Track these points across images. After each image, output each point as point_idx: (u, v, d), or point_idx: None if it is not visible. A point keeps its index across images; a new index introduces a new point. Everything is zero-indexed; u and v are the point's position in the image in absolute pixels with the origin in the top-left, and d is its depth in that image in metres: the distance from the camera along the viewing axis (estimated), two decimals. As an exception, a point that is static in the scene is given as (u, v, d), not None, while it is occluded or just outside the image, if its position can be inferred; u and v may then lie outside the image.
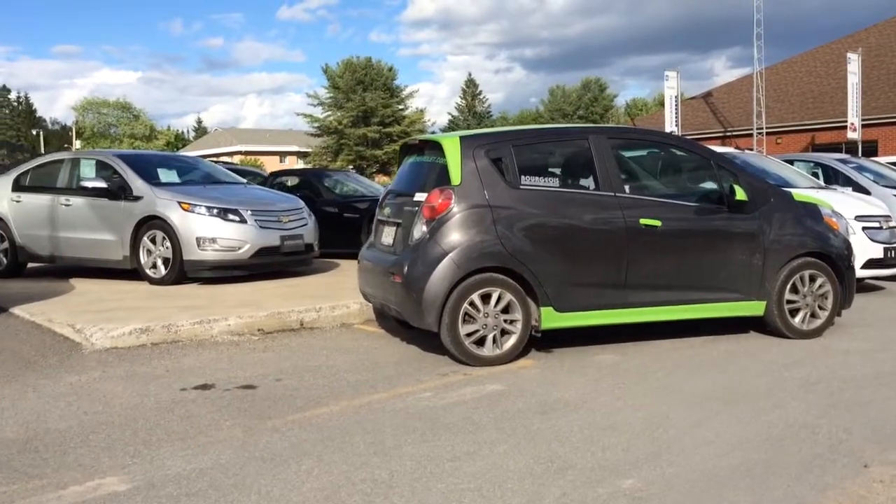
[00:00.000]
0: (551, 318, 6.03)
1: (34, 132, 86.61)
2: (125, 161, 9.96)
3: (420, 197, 6.10)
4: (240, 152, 76.38)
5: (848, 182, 11.40)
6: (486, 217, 5.86)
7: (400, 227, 6.30)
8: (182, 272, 9.18)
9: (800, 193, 7.14)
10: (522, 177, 6.04)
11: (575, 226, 6.06)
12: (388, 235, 6.54)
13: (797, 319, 6.74)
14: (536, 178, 6.08)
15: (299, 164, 69.76)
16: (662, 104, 40.08)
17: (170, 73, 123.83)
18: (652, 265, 6.25)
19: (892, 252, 9.17)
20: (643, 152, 7.13)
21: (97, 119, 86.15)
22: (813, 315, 6.81)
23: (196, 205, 9.23)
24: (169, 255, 9.22)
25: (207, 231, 9.12)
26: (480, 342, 5.88)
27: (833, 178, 11.73)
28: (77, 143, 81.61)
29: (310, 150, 70.23)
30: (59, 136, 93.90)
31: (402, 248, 6.15)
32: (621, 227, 6.14)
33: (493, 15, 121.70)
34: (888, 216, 9.51)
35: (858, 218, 9.10)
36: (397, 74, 73.20)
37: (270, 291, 8.58)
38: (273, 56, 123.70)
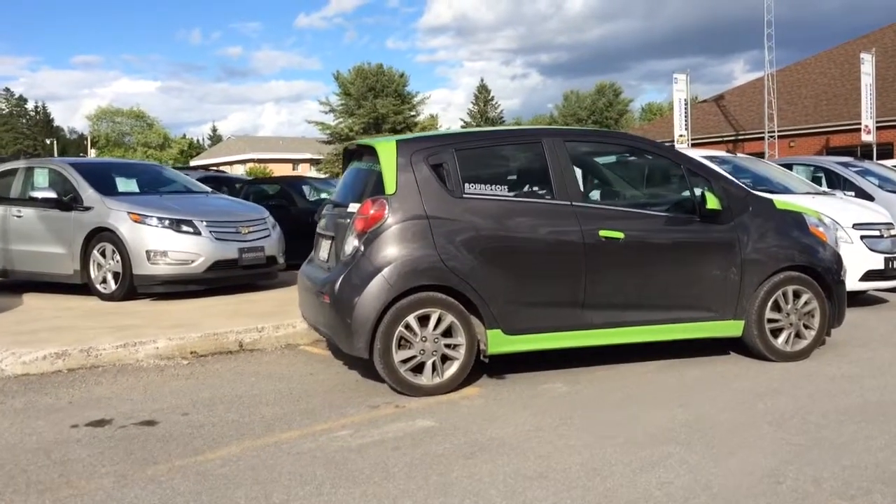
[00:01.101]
0: (499, 342, 5.41)
1: (48, 141, 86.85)
2: (78, 170, 9.45)
3: (353, 208, 5.51)
4: (253, 160, 76.26)
5: (851, 187, 10.69)
6: (424, 230, 5.26)
7: (334, 241, 5.71)
8: (132, 287, 8.63)
9: (782, 201, 6.48)
10: (467, 185, 5.43)
11: (525, 238, 5.45)
12: (324, 250, 5.96)
13: (780, 340, 6.08)
14: (483, 186, 5.47)
15: (311, 172, 69.44)
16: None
17: (189, 82, 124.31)
18: (613, 282, 5.63)
19: (894, 262, 8.46)
20: (605, 157, 6.50)
21: (111, 128, 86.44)
22: (798, 335, 6.15)
23: (147, 216, 8.68)
24: (119, 269, 8.67)
25: (158, 243, 8.58)
26: (419, 369, 5.27)
27: (836, 182, 11.02)
28: (92, 152, 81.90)
29: (322, 157, 70.02)
30: (76, 146, 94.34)
31: (335, 265, 5.56)
32: (578, 240, 5.51)
33: (509, 21, 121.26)
34: (890, 223, 8.81)
35: (857, 226, 8.41)
36: (409, 81, 72.76)
37: (219, 309, 8.01)
38: (290, 64, 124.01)
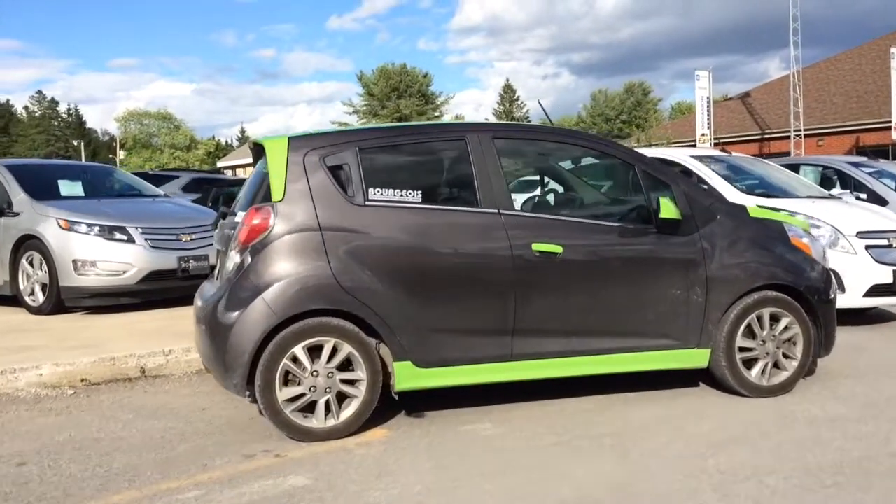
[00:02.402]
0: (410, 376, 4.57)
1: (75, 143, 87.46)
2: (12, 171, 8.75)
3: (241, 217, 4.69)
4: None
5: (864, 189, 9.67)
6: (316, 243, 4.43)
7: (222, 257, 4.91)
8: (60, 300, 7.89)
9: (759, 208, 5.56)
10: (371, 190, 4.59)
11: (442, 253, 4.61)
12: (219, 266, 5.15)
13: (754, 372, 5.16)
14: (391, 191, 4.62)
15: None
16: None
17: (222, 84, 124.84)
18: (550, 304, 4.76)
19: (905, 276, 7.45)
20: (544, 156, 5.61)
21: (139, 129, 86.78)
22: (777, 366, 5.24)
23: (76, 222, 7.95)
24: (46, 280, 7.94)
25: (86, 252, 7.84)
26: (310, 409, 4.44)
27: (847, 184, 10.01)
28: (121, 154, 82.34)
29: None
30: (106, 147, 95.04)
31: (221, 284, 4.75)
32: (506, 255, 4.65)
33: (541, 20, 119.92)
34: (901, 231, 7.80)
35: (861, 234, 7.42)
36: (433, 81, 71.97)
37: (148, 326, 7.25)
38: (323, 65, 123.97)
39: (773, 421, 4.69)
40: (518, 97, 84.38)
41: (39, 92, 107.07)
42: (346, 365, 4.48)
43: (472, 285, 4.65)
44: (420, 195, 4.68)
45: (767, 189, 8.41)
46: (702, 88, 31.55)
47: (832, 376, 5.70)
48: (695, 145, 31.92)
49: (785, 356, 5.24)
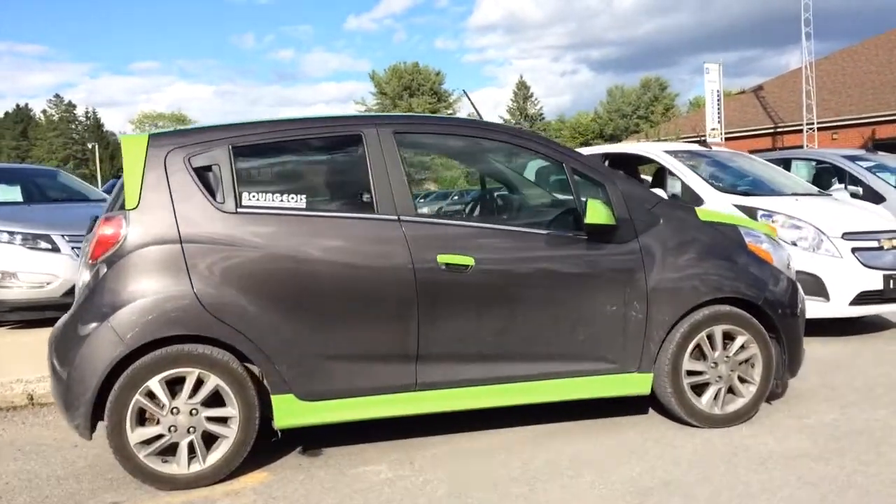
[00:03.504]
0: (292, 412, 3.94)
1: (90, 146, 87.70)
2: (-61, 177, 8.19)
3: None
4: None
5: (861, 185, 8.92)
6: (175, 258, 3.80)
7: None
8: (-21, 315, 7.34)
9: (711, 211, 4.87)
10: (246, 194, 3.96)
11: (330, 267, 3.97)
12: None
13: (705, 400, 4.49)
14: (271, 195, 3.99)
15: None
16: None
17: (242, 86, 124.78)
18: (461, 325, 4.11)
19: (897, 281, 6.72)
20: (457, 153, 4.94)
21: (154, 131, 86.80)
22: (732, 391, 4.55)
23: (-4, 230, 7.38)
24: (-33, 293, 7.38)
25: (6, 263, 7.27)
26: (171, 452, 3.81)
27: (843, 179, 9.25)
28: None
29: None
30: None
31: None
32: (407, 268, 4.01)
33: (559, 17, 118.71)
34: (894, 231, 7.06)
35: (848, 236, 6.69)
36: (445, 79, 71.44)
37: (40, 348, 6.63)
38: (341, 66, 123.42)
39: (719, 459, 4.01)
40: (532, 94, 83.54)
41: (57, 95, 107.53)
42: (216, 400, 3.84)
43: (366, 304, 4.00)
44: (305, 200, 4.04)
45: (748, 186, 7.71)
46: (711, 82, 30.67)
47: (802, 399, 5.02)
48: (705, 140, 31.10)
49: (741, 380, 4.56)
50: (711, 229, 4.58)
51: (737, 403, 4.56)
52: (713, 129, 30.63)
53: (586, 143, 62.06)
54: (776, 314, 4.56)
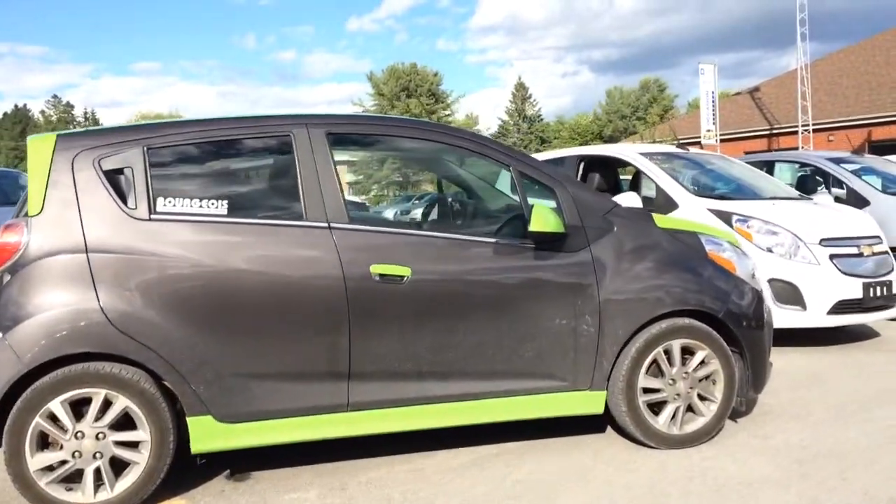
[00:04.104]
0: (210, 435, 3.66)
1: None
2: None
3: (4, 236, 3.78)
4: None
5: (845, 188, 8.62)
6: (80, 269, 3.52)
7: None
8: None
9: (670, 218, 4.59)
10: (162, 200, 3.68)
11: (253, 279, 3.68)
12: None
13: (662, 419, 4.20)
14: (189, 201, 3.71)
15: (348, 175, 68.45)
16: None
17: (243, 87, 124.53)
18: (397, 340, 3.82)
19: (878, 289, 6.43)
20: (398, 155, 4.65)
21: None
22: (692, 409, 4.26)
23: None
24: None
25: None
26: (76, 479, 3.53)
27: (827, 182, 8.97)
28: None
29: (356, 158, 69.16)
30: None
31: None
32: (337, 279, 3.72)
33: (560, 19, 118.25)
34: (876, 238, 6.77)
35: (826, 242, 6.41)
36: (443, 80, 71.16)
37: None
38: (342, 67, 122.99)
39: (671, 485, 3.72)
40: (530, 95, 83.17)
41: (55, 96, 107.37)
42: (125, 422, 3.56)
43: (292, 318, 3.72)
44: (226, 206, 3.75)
45: (725, 189, 7.42)
46: (706, 83, 30.40)
47: (771, 416, 4.73)
48: (700, 142, 30.81)
49: (701, 398, 4.27)
50: (669, 237, 4.30)
51: (696, 423, 4.27)
52: (708, 131, 30.38)
53: (585, 145, 61.76)
54: (739, 327, 4.27)
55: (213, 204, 3.73)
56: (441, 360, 3.90)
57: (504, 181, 5.06)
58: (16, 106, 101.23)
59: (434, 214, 4.76)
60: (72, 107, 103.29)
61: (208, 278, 3.63)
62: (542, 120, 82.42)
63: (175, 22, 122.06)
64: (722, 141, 30.73)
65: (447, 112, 69.70)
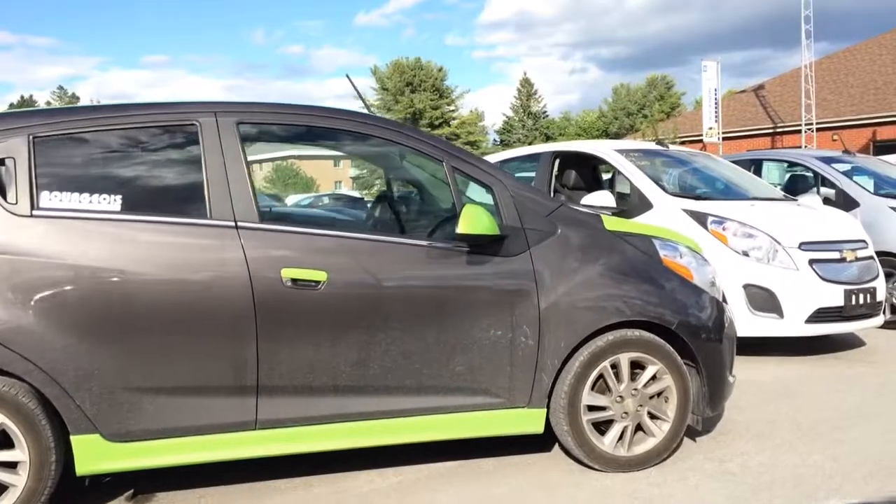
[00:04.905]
0: (99, 454, 3.32)
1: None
2: None
3: None
4: (292, 157, 75.20)
5: (835, 189, 8.23)
6: (-50, 271, 3.16)
7: None
8: None
9: (621, 220, 4.21)
10: (47, 194, 3.34)
11: (149, 283, 3.33)
12: None
13: (608, 439, 3.84)
14: (78, 195, 3.37)
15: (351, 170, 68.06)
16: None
17: (251, 81, 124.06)
18: (311, 352, 3.48)
19: (861, 296, 6.05)
20: (317, 147, 4.29)
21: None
22: (641, 429, 3.89)
23: None
24: None
25: None
26: (-52, 501, 3.19)
27: (816, 182, 8.58)
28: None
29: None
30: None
31: None
32: (243, 284, 3.37)
33: (568, 15, 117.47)
34: (861, 242, 6.39)
35: (805, 246, 6.03)
36: (447, 75, 70.58)
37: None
38: (350, 62, 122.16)
39: (608, 517, 3.36)
40: (535, 91, 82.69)
41: (61, 87, 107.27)
42: (4, 440, 3.21)
43: (192, 327, 3.37)
44: (120, 202, 3.40)
45: (703, 189, 7.05)
46: (709, 80, 30.07)
47: (733, 435, 4.37)
48: (702, 140, 30.41)
49: (652, 416, 3.91)
50: (619, 241, 3.94)
51: (646, 444, 3.92)
52: (710, 129, 30.02)
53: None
54: (695, 339, 3.92)
55: (104, 199, 3.38)
56: (361, 374, 3.55)
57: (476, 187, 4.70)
58: (22, 97, 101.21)
59: (363, 213, 4.41)
60: (77, 98, 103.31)
61: (96, 281, 3.28)
62: (546, 116, 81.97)
63: (184, 15, 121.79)
64: (725, 139, 30.33)
65: (451, 108, 69.34)
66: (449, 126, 66.57)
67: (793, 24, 29.53)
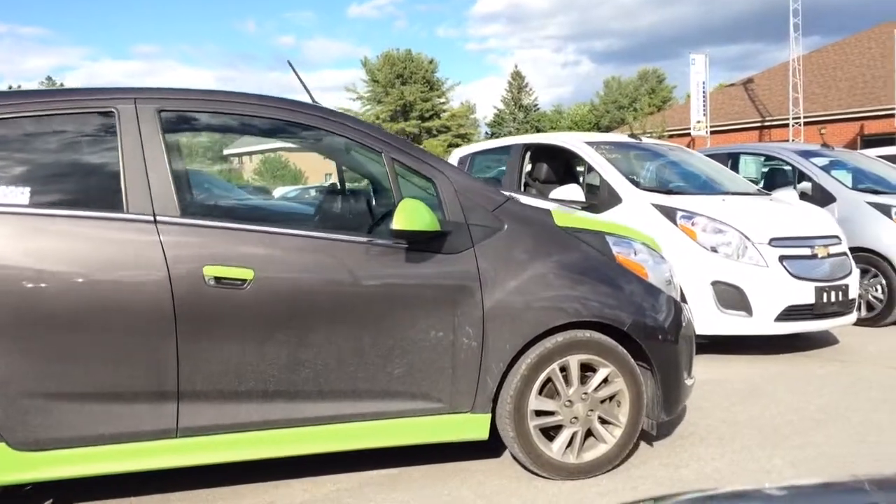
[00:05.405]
0: (6, 464, 3.11)
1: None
2: None
3: None
4: (282, 148, 74.72)
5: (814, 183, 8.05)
6: None
7: None
8: None
9: (574, 215, 4.01)
10: (-53, 188, 3.10)
11: (59, 280, 3.13)
12: None
13: (556, 446, 3.65)
14: (-18, 188, 3.13)
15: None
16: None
17: (243, 72, 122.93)
18: (236, 355, 3.27)
19: (832, 294, 5.87)
20: (244, 137, 4.08)
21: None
22: (592, 435, 3.70)
23: None
24: None
25: None
26: None
27: (793, 177, 8.40)
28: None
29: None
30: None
31: None
32: (162, 282, 3.17)
33: (562, 8, 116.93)
34: (834, 238, 6.21)
35: (776, 242, 5.85)
36: (438, 67, 70.23)
37: None
38: (342, 53, 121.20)
39: (550, 530, 3.17)
40: (527, 84, 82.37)
41: (49, 78, 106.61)
42: None
43: (106, 329, 3.17)
44: (28, 194, 3.18)
45: (675, 183, 6.86)
46: (697, 73, 29.87)
47: (693, 440, 4.19)
48: (690, 133, 30.26)
49: (603, 421, 3.72)
50: (570, 237, 3.74)
51: (597, 450, 3.73)
52: (698, 122, 29.86)
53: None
54: (649, 341, 3.72)
55: (11, 192, 3.16)
56: (292, 379, 3.35)
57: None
58: (9, 87, 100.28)
59: (311, 208, 4.19)
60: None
61: (2, 279, 3.06)
62: (538, 109, 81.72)
63: (175, 4, 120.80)
64: (713, 133, 30.17)
65: (442, 100, 69.08)
66: (439, 118, 66.36)
67: (785, 17, 29.26)
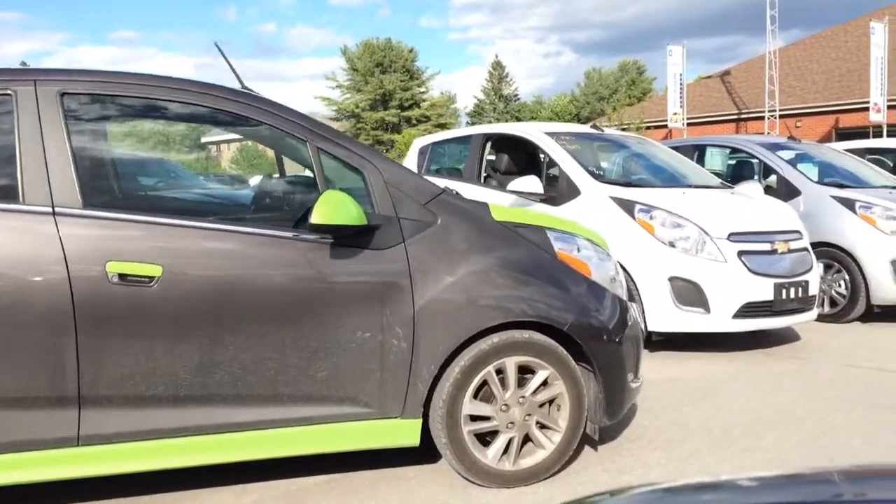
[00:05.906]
0: None
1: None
2: None
3: None
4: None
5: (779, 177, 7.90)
6: None
7: None
8: None
9: (512, 209, 3.82)
10: None
11: (-50, 279, 2.86)
12: None
13: (491, 452, 3.46)
14: None
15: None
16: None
17: (221, 59, 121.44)
18: (143, 358, 3.04)
19: (792, 290, 5.71)
20: (168, 123, 3.84)
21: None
22: (530, 440, 3.51)
23: None
24: None
25: None
26: None
27: (759, 170, 8.25)
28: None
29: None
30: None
31: None
32: (60, 280, 2.95)
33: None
34: (794, 232, 6.06)
35: (734, 237, 5.68)
36: (418, 56, 69.85)
37: None
38: (324, 41, 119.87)
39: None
40: (507, 74, 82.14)
41: (24, 63, 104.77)
42: None
43: (1, 328, 2.91)
44: (-86, 185, 2.94)
45: (635, 175, 6.68)
46: (674, 65, 29.77)
47: (640, 443, 4.02)
48: (666, 125, 30.19)
49: (542, 426, 3.54)
50: (508, 232, 3.54)
51: (535, 456, 3.54)
52: (675, 114, 29.78)
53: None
54: (591, 342, 3.54)
55: None
56: (205, 382, 3.13)
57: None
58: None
59: (209, 199, 3.97)
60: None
61: None
62: (518, 99, 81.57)
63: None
64: (690, 125, 30.12)
65: (422, 89, 68.77)
66: (419, 108, 66.12)
67: (765, 10, 29.21)
